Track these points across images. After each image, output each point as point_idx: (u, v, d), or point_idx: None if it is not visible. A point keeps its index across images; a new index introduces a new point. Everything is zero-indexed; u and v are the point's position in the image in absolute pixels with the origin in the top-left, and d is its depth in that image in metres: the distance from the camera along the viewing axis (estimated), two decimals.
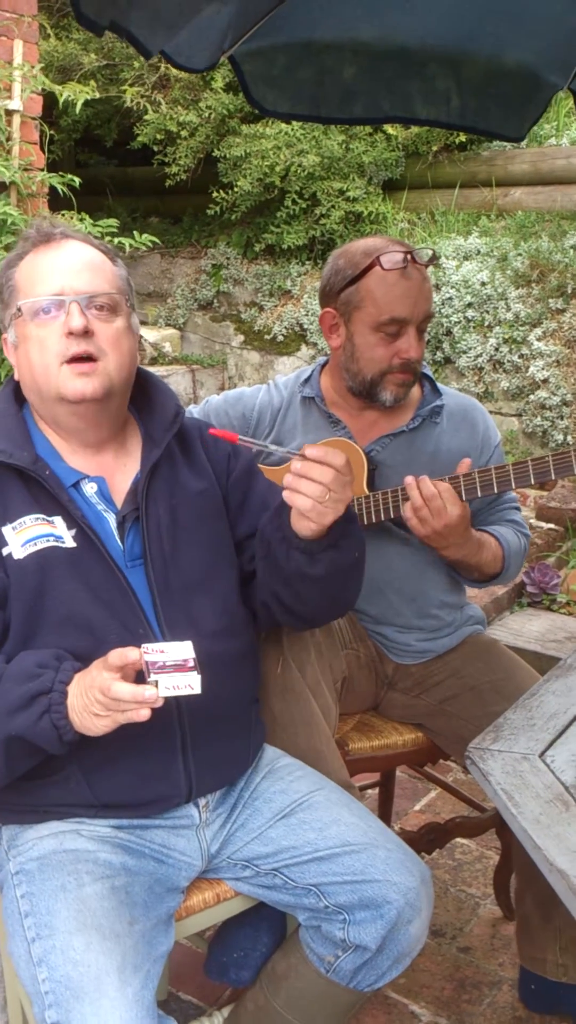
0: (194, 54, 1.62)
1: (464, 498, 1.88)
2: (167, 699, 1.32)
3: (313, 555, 1.53)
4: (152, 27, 1.48)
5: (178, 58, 1.61)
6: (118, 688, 1.30)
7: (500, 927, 2.33)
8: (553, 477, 1.86)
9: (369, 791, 2.59)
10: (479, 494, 1.89)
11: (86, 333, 1.48)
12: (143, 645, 1.34)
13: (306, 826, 1.60)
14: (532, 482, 1.88)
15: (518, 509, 2.17)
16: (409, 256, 1.95)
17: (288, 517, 1.51)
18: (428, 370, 2.15)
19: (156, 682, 1.30)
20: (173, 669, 1.32)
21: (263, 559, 1.63)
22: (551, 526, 4.45)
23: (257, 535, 1.66)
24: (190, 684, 1.31)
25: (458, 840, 2.59)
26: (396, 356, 1.98)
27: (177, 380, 5.72)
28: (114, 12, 1.38)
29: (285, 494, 1.46)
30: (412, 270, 1.95)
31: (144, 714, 1.31)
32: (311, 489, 1.43)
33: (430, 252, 2.00)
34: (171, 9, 1.48)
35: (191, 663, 1.34)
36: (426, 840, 2.25)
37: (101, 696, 1.31)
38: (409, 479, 1.89)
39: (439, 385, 2.13)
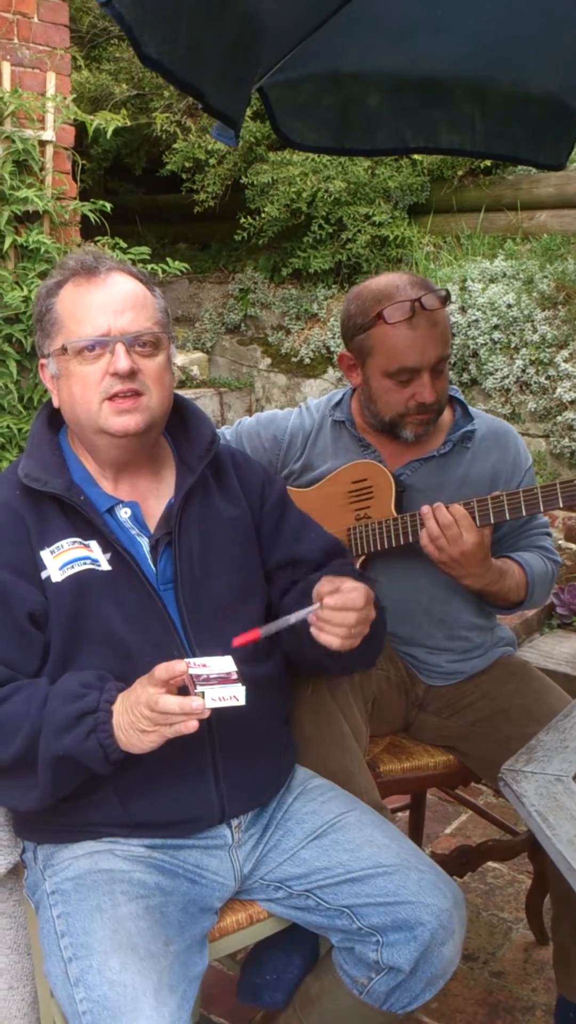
0: (240, 98, 1.65)
1: (479, 524, 1.87)
2: (200, 721, 1.35)
3: (338, 655, 1.56)
4: (223, 92, 1.50)
5: (236, 114, 1.63)
6: (166, 701, 1.32)
7: (533, 952, 2.31)
8: (561, 504, 1.85)
9: (400, 813, 2.58)
10: (492, 520, 1.88)
11: (131, 374, 1.51)
12: (186, 660, 1.36)
13: (338, 847, 1.60)
14: (542, 508, 1.86)
15: (549, 535, 2.16)
16: (417, 304, 1.91)
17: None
18: (460, 394, 2.15)
19: (203, 693, 1.32)
20: (217, 681, 1.35)
21: (287, 634, 1.65)
22: None
23: (282, 607, 1.70)
24: (235, 695, 1.34)
25: (490, 864, 2.58)
26: (411, 400, 1.97)
27: (205, 403, 5.77)
28: (179, 64, 1.39)
29: (312, 631, 1.51)
30: (420, 318, 1.91)
31: (192, 726, 1.34)
32: (336, 631, 1.50)
33: (443, 294, 1.95)
34: (224, 64, 1.50)
35: (234, 675, 1.36)
36: (458, 863, 2.24)
37: (148, 711, 1.34)
38: (425, 508, 1.89)
39: (471, 409, 2.13)
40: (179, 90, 1.44)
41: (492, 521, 1.88)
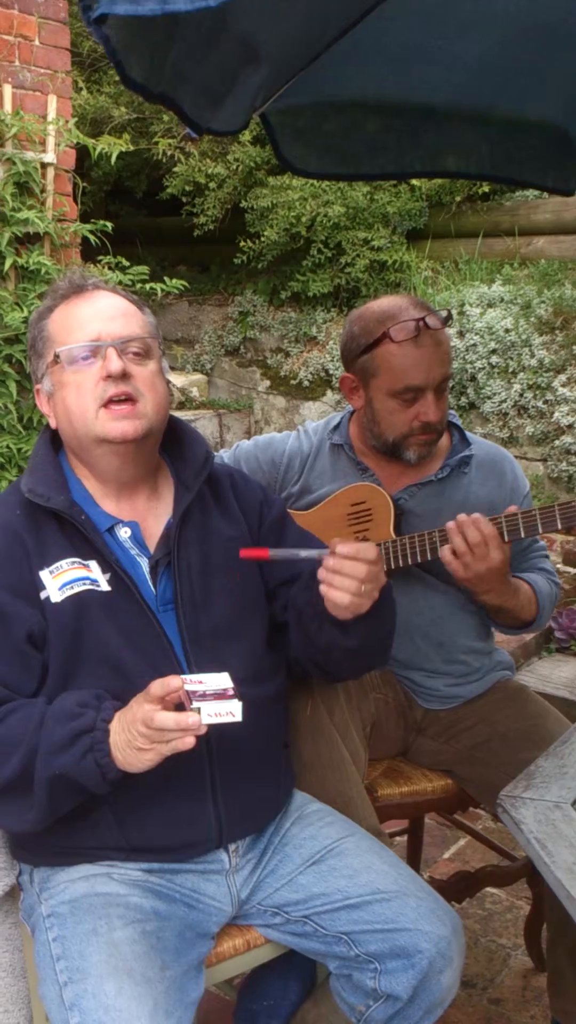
0: (229, 117, 1.67)
1: (507, 539, 1.87)
2: (198, 741, 1.34)
3: (347, 628, 1.55)
4: (199, 103, 1.51)
5: (217, 126, 1.65)
6: (162, 718, 1.31)
7: (531, 978, 2.30)
8: None
9: (398, 838, 2.57)
10: (522, 535, 1.87)
11: (124, 375, 1.52)
12: (182, 676, 1.36)
13: (336, 873, 1.59)
14: (559, 526, 1.86)
15: (547, 557, 2.17)
16: (421, 323, 1.93)
17: (319, 591, 1.52)
18: (457, 419, 2.16)
19: (199, 709, 1.31)
20: (214, 697, 1.33)
21: (295, 626, 1.65)
22: None
23: (289, 603, 1.69)
24: (231, 711, 1.32)
25: (488, 889, 2.56)
26: (416, 419, 1.98)
27: (204, 424, 5.78)
28: (164, 85, 1.41)
29: (321, 588, 1.48)
30: (424, 337, 1.94)
31: (189, 742, 1.33)
32: (346, 584, 1.46)
33: (444, 313, 1.98)
34: (213, 80, 1.51)
35: (231, 692, 1.35)
36: (456, 889, 2.23)
37: (144, 728, 1.33)
38: (451, 524, 1.87)
39: (468, 434, 2.14)
40: (157, 104, 1.47)
41: (522, 536, 1.87)
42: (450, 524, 1.88)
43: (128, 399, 1.53)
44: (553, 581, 2.12)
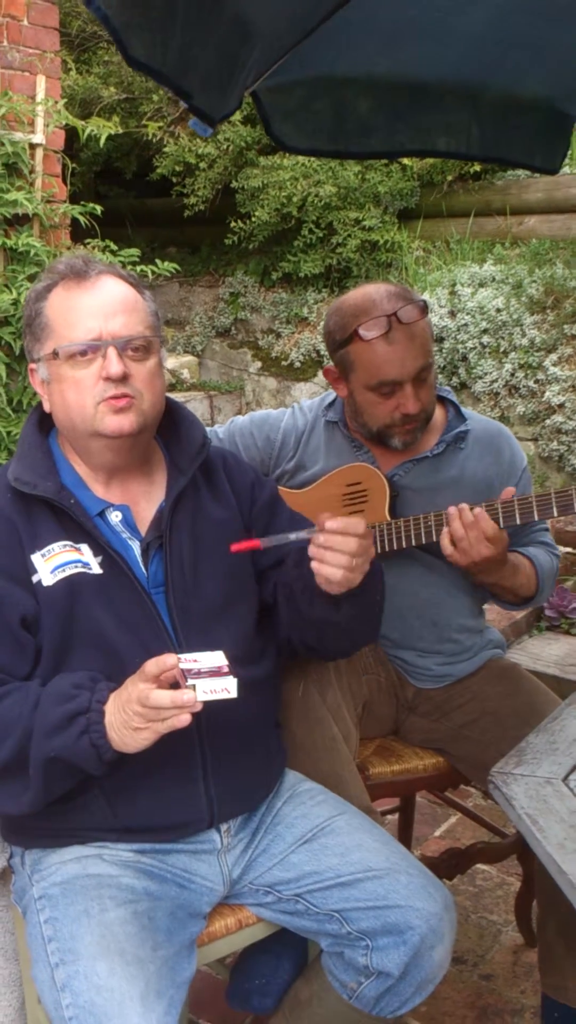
0: (228, 100, 1.65)
1: (503, 525, 1.86)
2: (191, 718, 1.34)
3: (338, 603, 1.55)
4: (206, 91, 1.49)
5: (216, 113, 1.63)
6: (157, 696, 1.31)
7: (522, 954, 2.31)
8: None
9: (389, 816, 2.58)
10: (518, 522, 1.86)
11: (124, 378, 1.50)
12: (177, 654, 1.36)
13: (328, 851, 1.60)
14: (555, 514, 1.85)
15: (547, 530, 2.17)
16: (393, 318, 1.89)
17: (309, 567, 1.52)
18: (452, 395, 2.15)
19: (194, 686, 1.32)
20: (208, 675, 1.34)
21: (286, 603, 1.66)
22: (569, 550, 4.45)
23: (279, 583, 1.69)
24: (227, 688, 1.33)
25: (479, 866, 2.57)
26: (396, 411, 1.97)
27: (195, 406, 5.77)
28: (169, 67, 1.39)
29: (313, 564, 1.49)
30: (396, 333, 1.90)
31: (185, 719, 1.33)
32: (338, 559, 1.47)
33: (421, 304, 1.93)
34: (213, 63, 1.50)
35: (225, 668, 1.35)
36: (447, 866, 2.24)
37: (140, 708, 1.33)
38: (452, 509, 1.87)
39: (464, 410, 2.13)
40: (166, 89, 1.45)
41: (518, 523, 1.87)
42: (451, 509, 1.88)
43: (125, 397, 1.52)
44: (553, 554, 2.11)
